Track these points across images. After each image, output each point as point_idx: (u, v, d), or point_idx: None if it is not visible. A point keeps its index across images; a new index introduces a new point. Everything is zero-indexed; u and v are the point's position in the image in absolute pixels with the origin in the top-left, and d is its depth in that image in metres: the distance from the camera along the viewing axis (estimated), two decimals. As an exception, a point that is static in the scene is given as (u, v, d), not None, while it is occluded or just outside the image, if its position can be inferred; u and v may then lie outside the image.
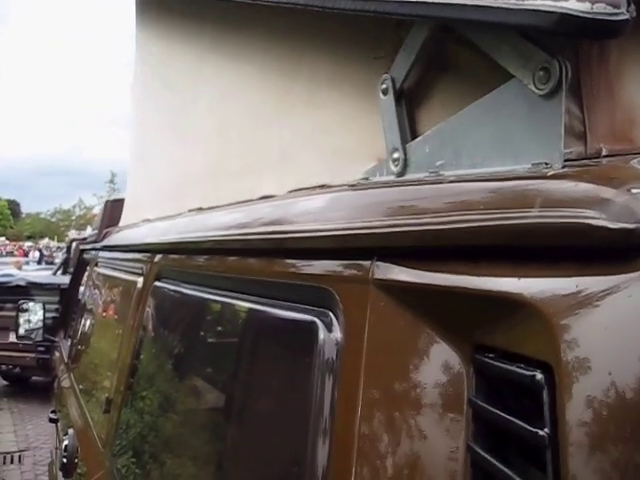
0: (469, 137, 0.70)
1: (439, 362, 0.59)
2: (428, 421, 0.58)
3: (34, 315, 3.75)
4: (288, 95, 1.16)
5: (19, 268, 11.52)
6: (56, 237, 39.88)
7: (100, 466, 1.75)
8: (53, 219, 53.12)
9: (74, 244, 8.38)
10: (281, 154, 1.19)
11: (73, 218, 46.56)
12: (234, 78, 1.38)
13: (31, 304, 3.86)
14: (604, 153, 0.60)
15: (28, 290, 7.67)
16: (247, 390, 1.03)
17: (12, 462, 5.89)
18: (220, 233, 1.17)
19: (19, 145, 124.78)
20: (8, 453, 6.05)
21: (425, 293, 0.62)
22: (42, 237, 43.07)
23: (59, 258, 13.43)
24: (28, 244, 33.91)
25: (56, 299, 5.23)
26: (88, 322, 2.90)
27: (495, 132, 0.66)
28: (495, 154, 0.66)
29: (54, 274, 9.39)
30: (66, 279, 5.33)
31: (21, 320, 3.79)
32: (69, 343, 3.48)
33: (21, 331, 3.80)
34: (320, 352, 0.76)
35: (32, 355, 7.74)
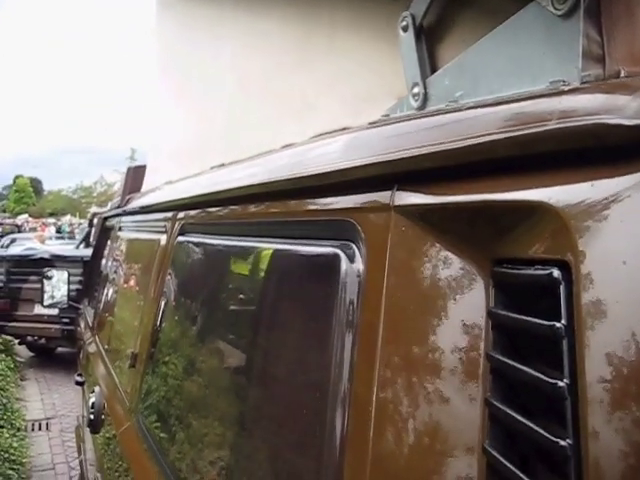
0: (488, 66, 0.71)
1: (459, 278, 0.61)
2: (449, 336, 0.60)
3: (59, 283, 3.81)
4: (308, 43, 1.17)
5: (42, 242, 11.68)
6: (78, 214, 40.23)
7: (126, 419, 1.79)
8: (75, 196, 53.53)
9: (96, 218, 8.50)
10: (303, 103, 1.20)
11: (94, 195, 46.89)
12: (254, 30, 1.39)
13: (55, 272, 3.91)
14: (623, 75, 0.61)
15: (52, 262, 7.77)
16: (274, 332, 1.05)
17: (40, 429, 6.04)
18: (242, 182, 1.19)
19: (40, 123, 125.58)
20: (36, 421, 6.20)
21: (445, 213, 0.63)
22: (64, 214, 43.47)
23: (80, 234, 13.60)
24: (51, 221, 34.29)
25: (79, 271, 5.31)
26: (112, 286, 2.95)
27: (513, 57, 0.67)
28: (513, 80, 0.67)
29: (77, 247, 9.51)
30: (88, 252, 5.39)
31: (46, 288, 3.85)
32: (93, 310, 3.55)
33: (46, 298, 3.86)
34: (344, 283, 0.78)
35: (57, 326, 7.90)
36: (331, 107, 1.10)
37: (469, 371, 0.57)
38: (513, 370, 0.52)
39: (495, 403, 0.54)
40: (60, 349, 8.74)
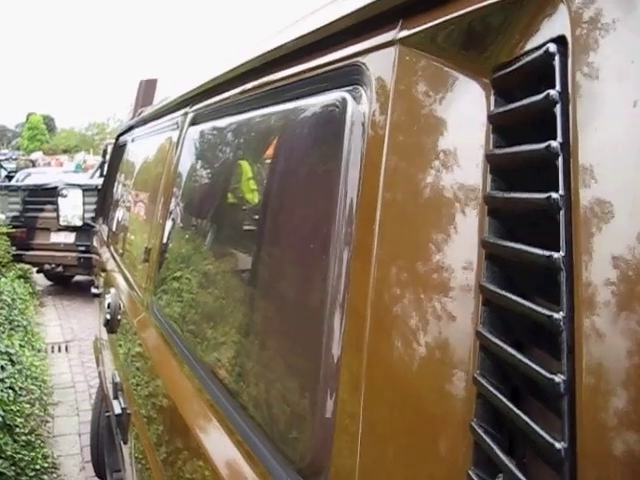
0: None
1: (461, 95, 0.62)
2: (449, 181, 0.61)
3: (74, 201, 3.84)
4: None
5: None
6: (92, 150, 40.17)
7: (141, 309, 1.84)
8: (88, 133, 53.40)
9: (109, 147, 8.50)
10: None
11: (108, 131, 46.74)
12: None
13: (71, 190, 3.95)
14: None
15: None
16: (287, 196, 1.05)
17: (59, 351, 6.21)
18: (248, 58, 1.19)
19: (51, 60, 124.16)
20: (55, 343, 6.37)
21: (447, 34, 0.64)
22: (77, 151, 43.44)
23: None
24: (64, 157, 34.32)
25: (94, 199, 5.35)
26: (126, 196, 2.98)
27: None
28: None
29: (91, 177, 9.56)
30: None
31: (61, 206, 3.88)
32: (107, 227, 3.60)
33: (62, 217, 3.90)
34: (352, 124, 0.79)
35: (73, 254, 8.03)
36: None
37: (464, 251, 0.58)
38: (505, 250, 0.52)
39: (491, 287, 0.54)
40: (77, 278, 8.90)
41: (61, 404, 4.81)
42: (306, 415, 0.81)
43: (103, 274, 3.08)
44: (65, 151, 46.40)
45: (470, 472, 0.51)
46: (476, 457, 0.51)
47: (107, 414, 3.04)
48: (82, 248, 7.78)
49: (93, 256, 4.33)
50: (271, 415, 0.93)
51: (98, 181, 7.63)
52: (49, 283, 9.19)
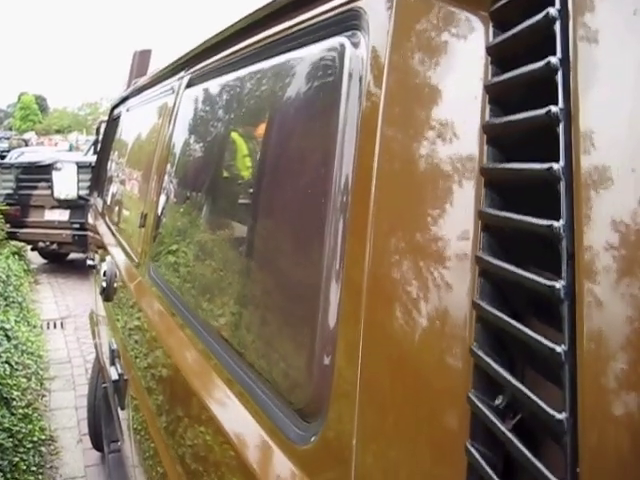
0: None
1: (463, 32, 0.62)
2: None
3: (68, 174, 3.82)
4: None
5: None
6: (85, 130, 39.92)
7: (138, 273, 1.85)
8: (81, 112, 53.01)
9: (103, 126, 8.45)
10: None
11: (101, 111, 46.38)
12: None
13: (65, 164, 3.92)
14: None
15: (60, 167, 7.78)
16: (287, 143, 1.05)
17: (55, 327, 6.22)
18: (244, 14, 1.19)
19: (43, 39, 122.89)
20: (51, 320, 6.38)
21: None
22: (70, 131, 43.17)
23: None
24: (58, 137, 34.12)
25: (88, 177, 5.32)
26: (121, 166, 2.97)
27: None
28: None
29: (85, 155, 9.52)
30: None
31: (55, 180, 3.85)
32: (102, 200, 3.58)
33: (56, 191, 3.88)
34: (351, 70, 0.79)
35: (67, 232, 8.01)
36: None
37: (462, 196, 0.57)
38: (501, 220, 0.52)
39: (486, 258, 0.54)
40: (72, 256, 8.89)
41: (57, 379, 4.82)
42: (306, 363, 0.81)
43: (99, 244, 3.07)
44: (58, 131, 46.09)
45: (468, 445, 0.51)
46: (473, 429, 0.51)
47: (104, 385, 3.06)
48: (76, 225, 7.76)
49: (88, 233, 4.32)
50: (273, 366, 0.93)
51: (92, 158, 7.59)
52: (44, 261, 9.17)
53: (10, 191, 8.41)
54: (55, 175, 3.83)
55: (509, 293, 0.52)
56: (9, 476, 3.09)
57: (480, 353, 0.51)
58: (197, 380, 1.16)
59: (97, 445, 3.57)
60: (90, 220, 3.81)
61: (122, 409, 1.99)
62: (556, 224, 0.44)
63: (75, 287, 7.57)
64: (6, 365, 4.07)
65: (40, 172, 7.86)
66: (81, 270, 7.21)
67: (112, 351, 2.12)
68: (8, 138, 25.47)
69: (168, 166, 1.72)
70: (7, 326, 4.74)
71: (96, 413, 3.47)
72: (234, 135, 1.30)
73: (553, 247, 0.44)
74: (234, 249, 1.22)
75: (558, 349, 0.42)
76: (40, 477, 3.33)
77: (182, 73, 1.74)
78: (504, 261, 0.50)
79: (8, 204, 8.18)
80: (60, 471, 3.51)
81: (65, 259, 9.05)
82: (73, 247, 8.25)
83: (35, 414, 3.92)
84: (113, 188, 3.12)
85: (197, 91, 1.57)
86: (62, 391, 4.60)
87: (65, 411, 4.25)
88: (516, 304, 0.51)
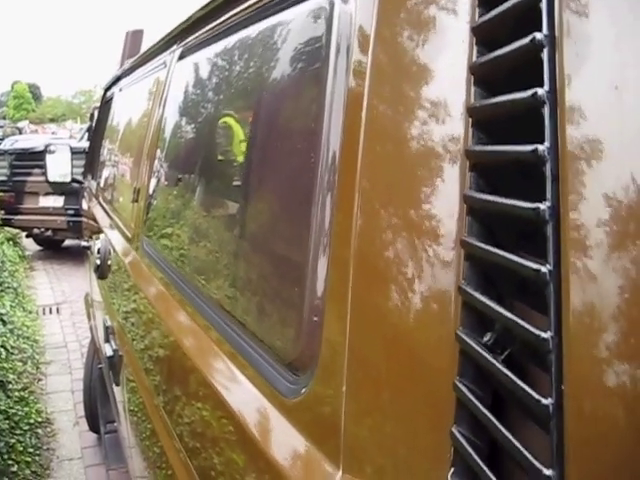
0: None
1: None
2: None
3: (62, 157, 3.80)
4: None
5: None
6: (79, 118, 39.69)
7: (132, 247, 1.85)
8: (75, 100, 52.73)
9: (96, 112, 8.41)
10: None
11: (95, 98, 46.11)
12: None
13: (59, 146, 3.91)
14: None
15: (54, 154, 7.75)
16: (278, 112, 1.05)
17: (51, 313, 6.22)
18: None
19: (36, 26, 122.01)
20: (47, 305, 6.38)
21: None
22: (64, 120, 42.96)
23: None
24: (52, 126, 33.96)
25: (82, 162, 5.30)
26: (115, 146, 2.96)
27: None
28: None
29: (79, 141, 9.47)
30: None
31: (49, 163, 3.84)
32: (96, 182, 3.57)
33: (50, 173, 3.87)
34: (339, 26, 0.79)
35: (62, 218, 7.98)
36: None
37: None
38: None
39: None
40: (67, 242, 8.87)
41: (53, 363, 4.83)
42: (297, 319, 0.82)
43: (93, 225, 3.07)
44: (52, 120, 45.88)
45: (453, 429, 0.51)
46: (459, 416, 0.51)
47: (99, 366, 3.06)
48: (71, 212, 7.73)
49: (82, 219, 4.31)
50: (264, 324, 0.94)
51: (86, 144, 7.56)
52: (39, 248, 9.15)
53: (4, 178, 8.37)
54: (49, 158, 3.82)
55: (495, 277, 0.52)
56: (6, 457, 3.10)
57: (465, 337, 0.51)
58: (188, 341, 1.17)
59: (93, 427, 3.58)
60: (84, 202, 3.80)
61: (117, 385, 2.00)
62: (542, 206, 0.43)
63: (71, 273, 7.56)
64: (1, 349, 4.07)
65: (34, 158, 7.81)
66: (76, 256, 7.20)
67: (107, 328, 2.13)
68: (2, 127, 25.29)
69: (160, 140, 1.71)
70: (2, 311, 4.74)
71: (92, 395, 3.48)
72: (224, 105, 1.30)
73: (539, 230, 0.44)
74: (226, 221, 1.22)
75: (545, 335, 0.42)
76: (37, 458, 3.34)
77: (174, 47, 1.73)
78: (490, 245, 0.50)
79: (2, 191, 8.15)
80: (57, 452, 3.52)
81: (60, 246, 9.02)
82: (68, 233, 8.22)
83: (31, 397, 3.93)
84: (107, 168, 3.11)
85: (188, 63, 1.56)
86: (58, 375, 4.61)
87: (61, 394, 4.26)
88: (502, 288, 0.51)
